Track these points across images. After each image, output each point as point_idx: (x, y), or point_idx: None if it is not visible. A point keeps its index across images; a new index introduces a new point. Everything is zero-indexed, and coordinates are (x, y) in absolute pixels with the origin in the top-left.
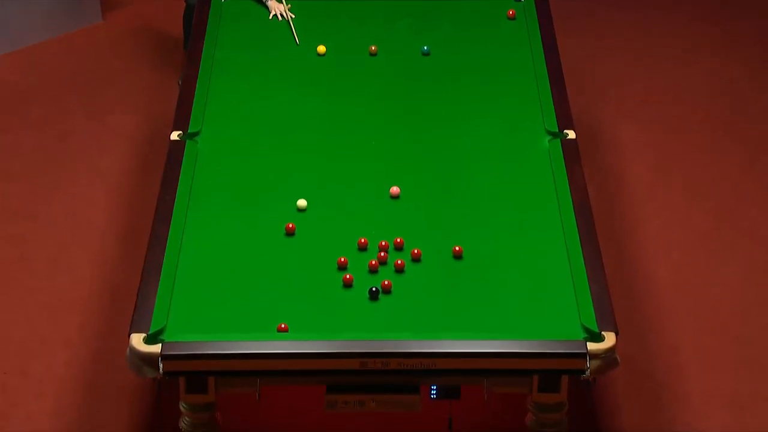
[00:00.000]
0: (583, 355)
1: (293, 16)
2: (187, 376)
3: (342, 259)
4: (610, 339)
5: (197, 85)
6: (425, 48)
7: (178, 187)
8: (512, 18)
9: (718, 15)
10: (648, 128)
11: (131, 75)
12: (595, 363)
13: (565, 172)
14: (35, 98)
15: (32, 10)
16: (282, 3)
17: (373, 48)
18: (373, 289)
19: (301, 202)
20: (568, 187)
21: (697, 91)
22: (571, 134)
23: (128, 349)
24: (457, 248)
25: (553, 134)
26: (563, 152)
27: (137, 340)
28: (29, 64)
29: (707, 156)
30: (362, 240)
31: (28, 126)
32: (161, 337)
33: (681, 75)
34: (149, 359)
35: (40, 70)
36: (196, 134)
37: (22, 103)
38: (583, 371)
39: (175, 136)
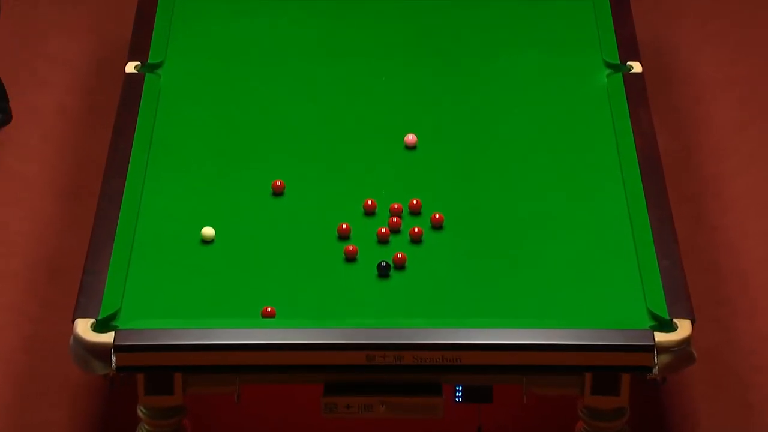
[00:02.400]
0: (650, 348)
1: None
2: (148, 372)
3: (344, 226)
4: (684, 328)
5: (159, 3)
6: None
7: (136, 133)
8: None
9: None
10: (736, 59)
11: None
12: (665, 358)
13: (628, 115)
14: None
15: None
16: None
17: None
18: (383, 264)
19: (207, 231)
20: (631, 135)
21: None
22: (637, 67)
23: (72, 338)
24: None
25: (614, 67)
26: (626, 90)
27: (84, 328)
28: None
29: None
30: (369, 202)
31: None
32: (114, 323)
33: None
34: (99, 351)
35: None
36: (157, 66)
37: None
38: (649, 368)
39: (131, 67)
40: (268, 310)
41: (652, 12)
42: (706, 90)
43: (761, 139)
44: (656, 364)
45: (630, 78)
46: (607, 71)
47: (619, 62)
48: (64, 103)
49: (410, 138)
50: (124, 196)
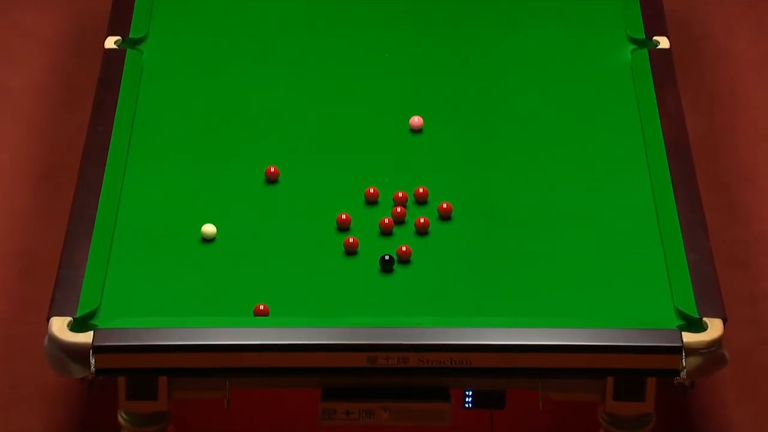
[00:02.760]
0: (678, 350)
1: None
2: (129, 375)
3: (343, 217)
4: (715, 328)
5: None
6: None
7: (116, 114)
8: None
9: None
10: None
11: None
12: (694, 360)
13: (654, 96)
14: None
15: None
16: None
17: None
18: (386, 257)
19: (208, 229)
20: (657, 117)
21: None
22: (664, 42)
23: (47, 338)
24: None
25: (639, 42)
26: (652, 68)
27: (60, 327)
28: None
29: None
30: (371, 190)
31: None
32: (93, 322)
33: None
34: (77, 352)
35: None
36: (140, 41)
37: None
38: (677, 372)
39: (111, 42)
40: (261, 308)
41: None
42: (741, 68)
43: None
44: (684, 367)
45: (656, 54)
46: (632, 47)
47: (644, 37)
48: (38, 81)
49: (416, 120)
50: (103, 183)
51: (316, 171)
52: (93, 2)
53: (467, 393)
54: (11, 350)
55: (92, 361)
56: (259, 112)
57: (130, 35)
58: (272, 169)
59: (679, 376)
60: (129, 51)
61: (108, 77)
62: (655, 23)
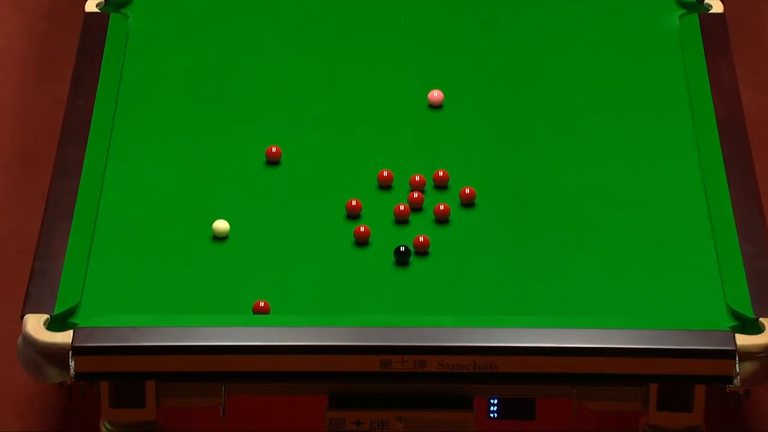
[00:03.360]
0: (731, 354)
1: None
2: (113, 379)
3: (354, 203)
4: None
5: None
6: None
7: (98, 86)
8: None
9: None
10: None
11: None
12: (749, 366)
13: (706, 67)
14: None
15: None
16: None
17: None
18: (402, 248)
19: (220, 225)
20: (709, 91)
21: None
22: (717, 6)
23: (21, 338)
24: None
25: (688, 6)
26: (702, 35)
27: (35, 325)
28: None
29: None
30: (385, 173)
31: None
32: (72, 320)
33: None
34: (54, 354)
35: None
36: (124, 4)
37: None
38: (730, 379)
39: (92, 5)
40: (261, 304)
41: None
42: None
43: None
44: (738, 374)
45: (708, 19)
46: (680, 11)
47: (695, 0)
48: (8, 48)
49: (435, 95)
50: (84, 165)
51: (322, 151)
52: None
53: (492, 401)
54: None
55: (72, 363)
56: (258, 84)
57: None
58: (273, 149)
59: (732, 383)
60: (112, 14)
61: (89, 45)
62: None
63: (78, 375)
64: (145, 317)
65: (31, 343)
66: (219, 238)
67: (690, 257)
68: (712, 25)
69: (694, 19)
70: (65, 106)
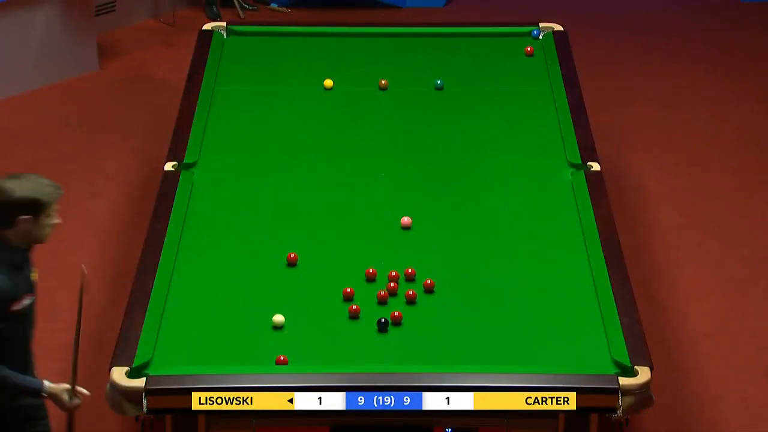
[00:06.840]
0: (615, 391)
1: None
2: (175, 413)
3: (348, 290)
4: (644, 374)
5: (195, 117)
6: (438, 82)
7: (171, 216)
8: (530, 55)
9: (744, 67)
10: (675, 173)
11: (126, 121)
12: (628, 400)
13: (590, 203)
14: (26, 142)
15: (27, 56)
16: None
17: (383, 82)
18: (382, 320)
19: (278, 319)
20: (593, 219)
21: (724, 138)
22: (596, 166)
23: (108, 385)
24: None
25: (576, 166)
26: (587, 184)
27: (119, 374)
28: (21, 110)
29: (739, 203)
30: (371, 270)
31: (16, 169)
32: (146, 371)
33: (707, 124)
34: (132, 395)
35: (32, 115)
36: (192, 165)
37: (12, 146)
38: (614, 409)
39: (169, 166)
40: (282, 358)
41: (607, 138)
42: (652, 199)
43: (699, 238)
44: (621, 406)
45: (591, 175)
46: (571, 170)
47: (581, 162)
48: (115, 209)
49: (406, 220)
50: (159, 265)
51: (327, 257)
52: (155, 152)
53: (446, 431)
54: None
55: (144, 402)
56: (283, 215)
57: (185, 160)
58: (292, 255)
59: (616, 413)
60: (183, 172)
61: (165, 190)
62: (588, 152)
63: (149, 410)
64: (195, 368)
65: (115, 387)
66: (277, 328)
67: (583, 325)
68: (594, 178)
69: (581, 174)
70: (148, 228)
